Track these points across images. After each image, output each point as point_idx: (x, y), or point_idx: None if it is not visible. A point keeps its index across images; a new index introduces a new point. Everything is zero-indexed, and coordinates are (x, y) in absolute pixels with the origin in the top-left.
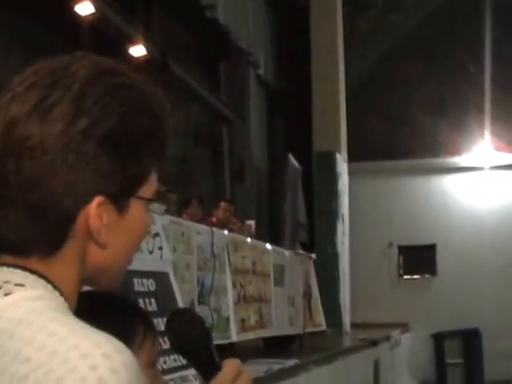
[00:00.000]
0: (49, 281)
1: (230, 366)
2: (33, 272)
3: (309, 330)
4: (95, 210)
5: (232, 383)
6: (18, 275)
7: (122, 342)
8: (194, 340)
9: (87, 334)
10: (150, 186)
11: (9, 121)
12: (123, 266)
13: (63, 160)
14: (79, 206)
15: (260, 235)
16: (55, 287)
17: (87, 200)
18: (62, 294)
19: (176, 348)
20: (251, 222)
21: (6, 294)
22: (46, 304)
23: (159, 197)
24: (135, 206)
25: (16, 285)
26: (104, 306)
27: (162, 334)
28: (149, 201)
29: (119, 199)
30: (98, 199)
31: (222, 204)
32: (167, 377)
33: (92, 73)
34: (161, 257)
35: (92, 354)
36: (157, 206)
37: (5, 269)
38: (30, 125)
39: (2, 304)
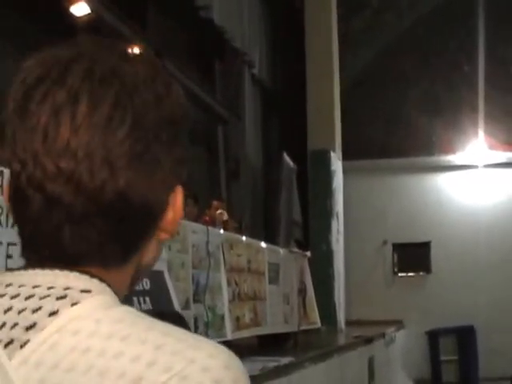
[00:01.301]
0: (109, 284)
1: None
2: (93, 275)
3: (303, 327)
4: (179, 200)
5: None
6: (78, 279)
7: None
8: None
9: (195, 342)
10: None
11: (82, 123)
12: (150, 269)
13: (148, 151)
14: (167, 200)
15: (255, 233)
16: (114, 292)
17: (171, 191)
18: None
19: None
20: (221, 211)
21: (73, 304)
22: (128, 310)
23: None
24: (178, 194)
25: (82, 291)
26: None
27: None
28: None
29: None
30: (179, 188)
31: (214, 203)
32: None
33: (152, 60)
34: None
35: (212, 367)
36: None
37: (58, 272)
38: (118, 127)
39: (74, 315)
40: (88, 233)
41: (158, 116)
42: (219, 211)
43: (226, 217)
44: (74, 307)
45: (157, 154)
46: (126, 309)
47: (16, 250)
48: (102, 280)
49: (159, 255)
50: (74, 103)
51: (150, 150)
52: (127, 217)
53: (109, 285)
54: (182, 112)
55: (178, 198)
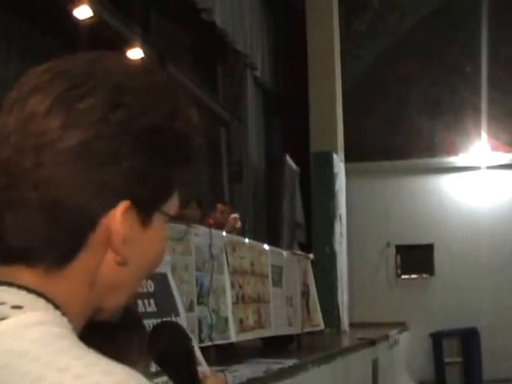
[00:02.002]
0: (49, 299)
1: (211, 381)
2: (30, 290)
3: (307, 329)
4: (121, 216)
5: None
6: (13, 295)
7: (119, 358)
8: (176, 356)
9: (106, 368)
10: (173, 203)
11: (28, 113)
12: (135, 289)
13: (91, 156)
14: (104, 209)
15: (258, 236)
16: (56, 306)
17: (113, 204)
18: (64, 313)
19: (158, 363)
20: (235, 215)
21: (2, 319)
22: (49, 331)
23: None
24: (157, 222)
25: (13, 307)
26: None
27: None
28: (171, 218)
29: (146, 208)
30: (125, 203)
31: (219, 206)
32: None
33: (128, 68)
34: None
35: None
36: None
37: None
38: (54, 116)
39: None
40: (27, 224)
41: (108, 122)
42: (233, 215)
43: (239, 224)
44: (1, 322)
45: (96, 157)
46: (48, 329)
47: None
48: (39, 295)
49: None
50: (28, 97)
51: (87, 152)
52: (55, 212)
53: (49, 299)
54: (153, 126)
55: (117, 214)
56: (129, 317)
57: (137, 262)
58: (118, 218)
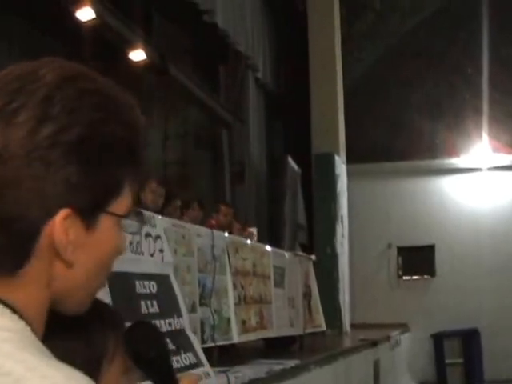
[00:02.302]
0: (6, 304)
1: (187, 382)
2: None
3: (309, 330)
4: (61, 224)
5: None
6: None
7: (94, 354)
8: (152, 355)
9: (44, 372)
10: (123, 202)
11: None
12: (94, 288)
13: (28, 168)
14: (45, 218)
15: (260, 237)
16: (14, 311)
17: (53, 212)
18: (22, 316)
19: (134, 361)
20: (253, 230)
21: None
22: (5, 337)
23: (135, 214)
24: (105, 223)
25: None
26: (75, 319)
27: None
28: (121, 217)
29: (88, 213)
30: (64, 212)
31: (223, 208)
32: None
33: (60, 77)
34: (162, 259)
35: None
36: (132, 224)
37: None
38: None
39: None
40: None
41: (40, 135)
42: (250, 230)
43: (255, 236)
44: None
45: (34, 169)
46: (3, 336)
47: None
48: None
49: (86, 281)
50: None
51: (25, 165)
52: (2, 223)
53: (7, 304)
54: (95, 140)
55: (57, 222)
56: (107, 315)
57: (88, 263)
58: (58, 225)
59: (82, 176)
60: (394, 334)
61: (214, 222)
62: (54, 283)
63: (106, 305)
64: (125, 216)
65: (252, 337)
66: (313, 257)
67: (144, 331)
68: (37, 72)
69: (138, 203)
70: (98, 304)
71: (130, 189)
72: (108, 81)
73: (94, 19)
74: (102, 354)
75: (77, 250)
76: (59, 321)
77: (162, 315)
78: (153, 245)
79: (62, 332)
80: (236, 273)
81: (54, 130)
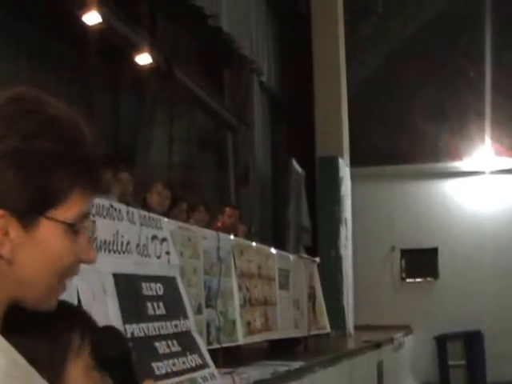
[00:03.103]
0: None
1: None
2: None
3: (313, 332)
4: None
5: None
6: None
7: (58, 347)
8: (115, 357)
9: None
10: (71, 210)
11: None
12: (48, 286)
13: None
14: None
15: (264, 239)
16: None
17: None
18: None
19: (98, 363)
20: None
21: None
22: None
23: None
24: (47, 227)
25: None
26: (39, 315)
27: (169, 336)
28: (62, 223)
29: (23, 216)
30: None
31: (227, 210)
32: (176, 379)
33: (7, 98)
34: (168, 261)
35: None
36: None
37: None
38: None
39: None
40: None
41: None
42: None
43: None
44: None
45: None
46: None
47: None
48: None
49: (47, 271)
50: None
51: None
52: None
53: None
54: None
55: None
56: (73, 313)
57: (32, 262)
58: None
59: (16, 182)
60: (398, 335)
61: (219, 224)
62: (7, 279)
63: (74, 305)
64: (69, 223)
65: (257, 338)
66: (317, 259)
67: (108, 334)
68: None
69: (145, 205)
70: (65, 304)
71: (81, 199)
72: (61, 104)
73: (100, 23)
74: (67, 348)
75: (17, 248)
76: (26, 316)
77: (168, 317)
78: (159, 247)
79: (28, 327)
80: (241, 275)
81: None
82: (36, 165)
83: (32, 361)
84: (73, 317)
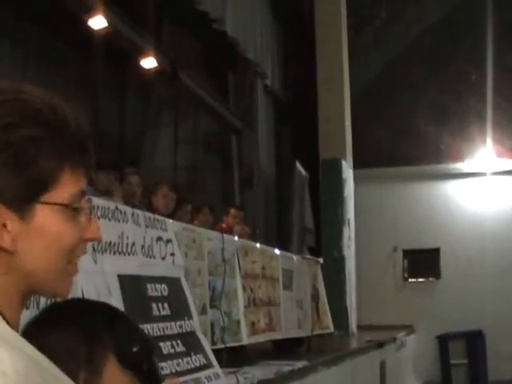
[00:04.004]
0: None
1: (169, 383)
2: None
3: (317, 332)
4: None
5: None
6: None
7: (99, 345)
8: (137, 354)
9: None
10: (64, 191)
11: None
12: (55, 269)
13: None
14: None
15: (268, 240)
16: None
17: None
18: None
19: (121, 361)
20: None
21: None
22: None
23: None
24: (43, 212)
25: None
26: (77, 315)
27: (173, 337)
28: (58, 205)
29: (17, 205)
30: None
31: (232, 211)
32: (180, 379)
33: None
34: (173, 262)
35: None
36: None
37: None
38: None
39: None
40: None
41: None
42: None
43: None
44: None
45: None
46: None
47: None
48: None
49: (51, 265)
50: None
51: None
52: None
53: None
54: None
55: None
56: (118, 317)
57: (34, 249)
58: None
59: (5, 173)
60: (400, 335)
61: (224, 225)
62: (14, 272)
63: (115, 307)
64: (65, 204)
65: (261, 338)
66: (320, 260)
67: (130, 331)
68: None
69: (150, 208)
70: (106, 305)
71: (73, 179)
72: (37, 89)
73: (106, 27)
74: (107, 346)
75: (18, 239)
76: (66, 313)
77: (172, 317)
78: (164, 248)
79: (67, 323)
80: (245, 275)
81: None
82: (21, 153)
83: (70, 357)
84: (114, 318)
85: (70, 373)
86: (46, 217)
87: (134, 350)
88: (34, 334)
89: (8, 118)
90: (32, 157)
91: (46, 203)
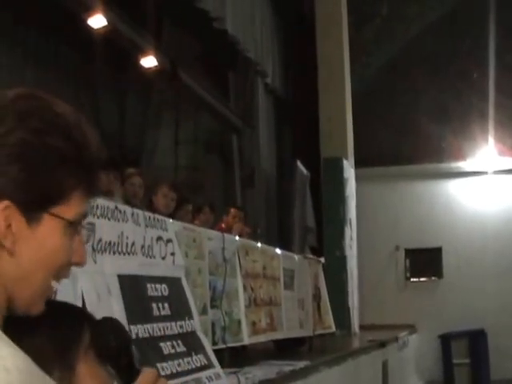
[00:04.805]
0: None
1: (146, 374)
2: None
3: (318, 332)
4: (0, 212)
5: None
6: None
7: (70, 344)
8: (116, 347)
9: None
10: (71, 209)
11: None
12: (37, 285)
13: None
14: None
15: (270, 240)
16: None
17: None
18: None
19: (98, 353)
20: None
21: None
22: None
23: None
24: (49, 223)
25: None
26: (48, 317)
27: (174, 337)
28: (65, 221)
29: (27, 209)
30: (4, 202)
31: (232, 210)
32: (181, 379)
33: (16, 95)
34: (173, 262)
35: None
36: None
37: None
38: None
39: None
40: None
41: None
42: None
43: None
44: None
45: None
46: None
47: None
48: None
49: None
50: None
51: None
52: None
53: None
54: None
55: None
56: (81, 313)
57: (33, 256)
58: None
59: (23, 175)
60: (402, 334)
61: (223, 225)
62: (2, 272)
63: (80, 307)
64: (71, 222)
65: (262, 338)
66: (322, 259)
67: (107, 324)
68: (5, 93)
69: (150, 207)
70: (73, 305)
71: (82, 200)
72: (67, 106)
73: (105, 26)
74: (78, 345)
75: (19, 241)
76: (32, 319)
77: (173, 317)
78: (164, 248)
79: (39, 324)
80: (246, 275)
81: (1, 132)
82: (43, 160)
83: (44, 356)
84: (82, 317)
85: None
86: (50, 228)
87: (111, 343)
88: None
89: (39, 124)
90: (52, 166)
91: (55, 215)
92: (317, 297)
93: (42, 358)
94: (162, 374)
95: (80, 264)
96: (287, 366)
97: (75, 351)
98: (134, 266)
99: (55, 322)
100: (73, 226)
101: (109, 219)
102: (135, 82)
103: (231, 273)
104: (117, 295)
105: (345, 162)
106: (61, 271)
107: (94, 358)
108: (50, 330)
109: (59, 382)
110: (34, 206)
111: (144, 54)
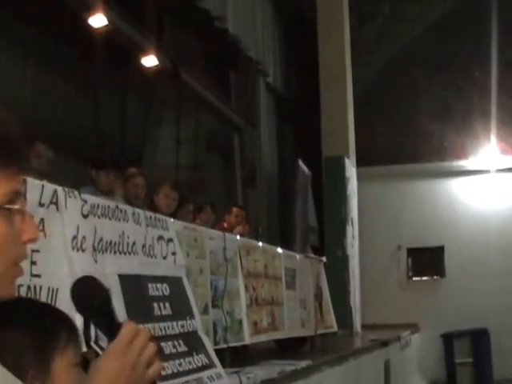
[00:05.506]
0: None
1: (127, 327)
2: None
3: (320, 331)
4: None
5: (130, 341)
6: None
7: (46, 345)
8: (95, 302)
9: None
10: None
11: None
12: None
13: None
14: None
15: (271, 239)
16: None
17: None
18: None
19: (80, 309)
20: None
21: None
22: None
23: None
24: None
25: None
26: (26, 315)
27: (175, 337)
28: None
29: None
30: None
31: (234, 210)
32: (182, 379)
33: None
34: (174, 262)
35: None
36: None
37: None
38: None
39: None
40: None
41: None
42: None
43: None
44: None
45: None
46: None
47: None
48: None
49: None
50: None
51: None
52: None
53: None
54: None
55: None
56: (58, 313)
57: None
58: None
59: None
60: (404, 334)
61: (225, 224)
62: None
63: (60, 309)
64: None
65: (264, 338)
66: (324, 258)
67: (87, 284)
68: None
69: (152, 207)
70: (52, 307)
71: (4, 179)
72: None
73: (106, 26)
74: (53, 346)
75: None
76: (10, 317)
77: (174, 317)
78: (165, 248)
79: (16, 323)
80: (248, 275)
81: None
82: None
83: (19, 355)
84: (59, 318)
85: (20, 371)
86: None
87: (93, 303)
88: None
89: None
90: None
91: None
92: (318, 296)
93: (17, 354)
94: (163, 373)
95: (33, 240)
96: (289, 366)
97: (52, 351)
98: (134, 265)
99: (34, 321)
100: (2, 207)
101: (109, 219)
102: (136, 81)
103: (232, 272)
104: (118, 295)
105: (346, 160)
106: (12, 253)
107: (71, 359)
108: (27, 328)
109: (34, 380)
110: None
111: (145, 53)
